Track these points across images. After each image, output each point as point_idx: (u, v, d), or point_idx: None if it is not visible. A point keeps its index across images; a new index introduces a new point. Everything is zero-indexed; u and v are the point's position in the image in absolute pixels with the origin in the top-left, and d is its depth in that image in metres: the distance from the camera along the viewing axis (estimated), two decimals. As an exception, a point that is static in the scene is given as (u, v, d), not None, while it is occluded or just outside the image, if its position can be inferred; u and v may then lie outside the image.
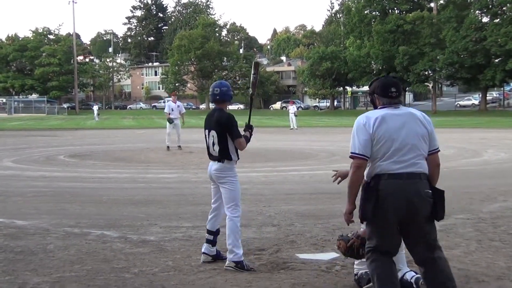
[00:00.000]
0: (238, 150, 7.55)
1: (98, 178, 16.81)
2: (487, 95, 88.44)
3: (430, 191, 5.28)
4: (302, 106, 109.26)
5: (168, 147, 24.67)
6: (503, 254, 7.80)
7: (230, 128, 7.40)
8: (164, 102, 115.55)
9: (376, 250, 5.37)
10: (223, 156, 7.48)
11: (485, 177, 16.41)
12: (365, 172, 5.43)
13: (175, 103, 25.30)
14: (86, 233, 9.24)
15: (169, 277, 6.89)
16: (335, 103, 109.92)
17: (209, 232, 7.69)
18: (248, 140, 7.60)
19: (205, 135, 7.64)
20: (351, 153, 5.36)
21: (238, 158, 7.64)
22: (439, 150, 5.49)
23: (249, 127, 7.74)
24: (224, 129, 7.41)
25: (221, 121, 7.44)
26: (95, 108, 76.54)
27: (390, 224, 5.28)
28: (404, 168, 5.22)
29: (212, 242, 7.61)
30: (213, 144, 7.50)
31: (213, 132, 7.49)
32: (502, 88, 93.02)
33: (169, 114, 24.92)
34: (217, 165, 7.57)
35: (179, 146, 24.92)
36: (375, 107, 5.64)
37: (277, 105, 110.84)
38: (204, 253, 7.59)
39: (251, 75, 8.00)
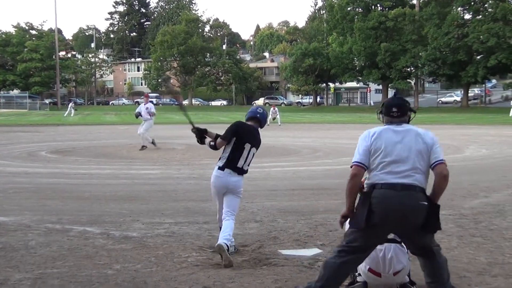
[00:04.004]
0: None
1: (80, 174, 16.73)
2: (469, 91, 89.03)
3: (426, 203, 5.35)
4: (285, 102, 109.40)
5: (152, 142, 23.63)
6: (484, 250, 7.87)
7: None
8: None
9: (349, 249, 5.48)
10: (246, 172, 7.84)
11: (467, 173, 16.51)
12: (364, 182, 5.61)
13: (146, 104, 24.21)
14: (68, 230, 9.20)
15: (151, 273, 6.88)
16: (318, 99, 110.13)
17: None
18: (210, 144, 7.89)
19: (241, 148, 7.70)
20: (352, 162, 5.57)
21: None
22: (443, 161, 5.50)
23: (201, 131, 7.92)
24: (258, 148, 7.93)
25: (260, 141, 7.97)
26: (71, 105, 76.12)
27: (378, 231, 5.41)
28: (399, 179, 5.34)
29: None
30: (250, 161, 7.79)
31: (254, 150, 7.79)
32: (483, 85, 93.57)
33: (140, 115, 24.00)
34: (238, 178, 7.72)
35: (143, 146, 23.69)
36: None
37: (260, 101, 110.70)
38: (233, 246, 7.78)
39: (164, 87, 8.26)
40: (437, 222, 5.44)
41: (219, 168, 7.70)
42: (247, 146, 7.66)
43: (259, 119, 7.99)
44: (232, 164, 7.64)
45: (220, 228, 7.79)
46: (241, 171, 7.71)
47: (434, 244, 5.57)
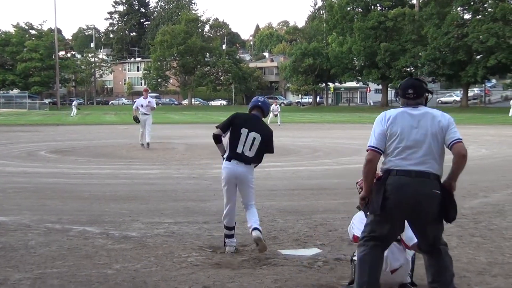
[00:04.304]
0: None
1: (80, 174, 16.72)
2: (469, 91, 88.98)
3: (439, 192, 5.35)
4: (284, 102, 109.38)
5: (142, 144, 23.31)
6: (483, 250, 7.87)
7: (272, 141, 8.04)
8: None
9: (370, 238, 5.47)
10: (256, 160, 7.89)
11: (466, 173, 16.36)
12: (379, 167, 5.57)
13: (146, 98, 23.60)
14: (67, 229, 9.20)
15: (151, 273, 6.88)
16: (318, 99, 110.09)
17: (232, 228, 8.00)
18: None
19: (237, 134, 7.79)
20: (368, 146, 5.53)
21: None
22: (460, 140, 5.46)
23: None
24: (270, 138, 7.99)
25: (269, 130, 8.03)
26: (75, 104, 76.17)
27: (394, 218, 5.39)
28: (413, 166, 5.32)
29: (234, 235, 8.03)
30: (251, 146, 7.78)
31: (255, 135, 7.78)
32: (483, 85, 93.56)
33: (136, 110, 23.48)
34: (244, 169, 7.81)
35: (148, 144, 23.20)
36: None
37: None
38: (232, 245, 7.93)
39: None
40: (454, 210, 5.46)
41: (226, 159, 7.86)
42: (244, 131, 7.77)
43: (261, 107, 8.12)
44: (233, 151, 7.78)
45: (225, 226, 7.91)
46: (244, 158, 7.77)
47: (442, 242, 5.55)
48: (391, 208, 5.30)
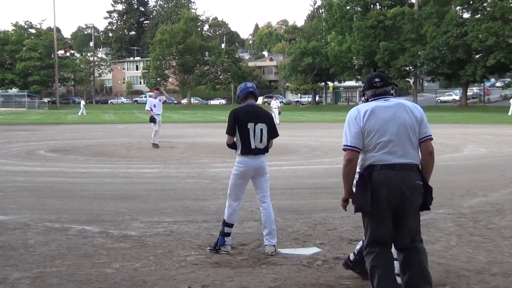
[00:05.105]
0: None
1: (79, 173, 16.72)
2: (468, 90, 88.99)
3: (421, 183, 5.38)
4: (284, 101, 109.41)
5: (156, 144, 23.07)
6: (483, 249, 7.86)
7: (275, 125, 8.13)
8: (145, 97, 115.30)
9: (373, 243, 5.45)
10: (267, 149, 7.96)
11: (466, 172, 16.52)
12: (358, 163, 5.52)
13: (156, 98, 23.57)
14: (67, 228, 9.19)
15: (150, 272, 6.87)
16: (317, 98, 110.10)
17: (231, 225, 7.95)
18: None
19: (245, 131, 7.76)
20: (344, 145, 5.46)
21: None
22: (431, 137, 5.51)
23: None
24: (273, 123, 8.03)
25: (269, 115, 8.07)
26: (82, 102, 76.70)
27: (385, 213, 5.35)
28: (396, 159, 5.31)
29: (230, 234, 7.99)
30: (261, 138, 7.80)
31: (261, 126, 7.80)
32: (482, 84, 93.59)
33: (151, 110, 23.10)
34: (263, 158, 7.93)
35: (156, 144, 23.15)
36: None
37: (259, 100, 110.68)
38: (229, 245, 7.88)
39: None
40: (431, 197, 5.51)
41: (240, 154, 7.82)
42: (251, 125, 7.73)
43: (254, 92, 8.09)
44: (246, 147, 7.76)
45: (229, 224, 7.87)
46: (257, 151, 7.80)
47: (420, 239, 5.53)
48: (379, 203, 5.28)
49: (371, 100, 5.59)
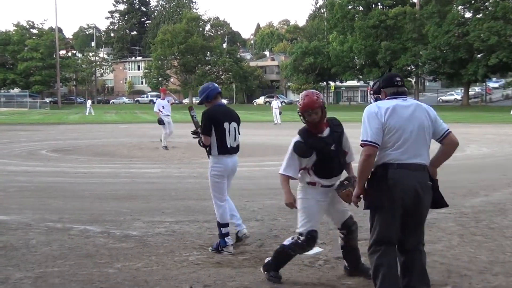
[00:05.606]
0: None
1: (81, 173, 16.73)
2: (470, 90, 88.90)
3: (431, 183, 5.44)
4: (285, 101, 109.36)
5: (165, 147, 22.92)
6: (485, 248, 7.86)
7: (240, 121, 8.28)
8: (146, 96, 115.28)
9: (379, 241, 5.46)
10: (239, 147, 8.13)
11: (467, 171, 16.50)
12: None
13: (164, 99, 23.35)
14: (68, 228, 9.21)
15: (152, 272, 6.88)
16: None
17: (227, 225, 8.03)
18: None
19: (222, 130, 7.87)
20: (363, 140, 5.42)
21: None
22: (450, 130, 5.55)
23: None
24: (239, 121, 8.21)
25: (236, 113, 8.23)
26: (89, 102, 77.08)
27: (396, 213, 5.37)
28: (412, 159, 5.34)
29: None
30: (235, 137, 7.96)
31: (234, 125, 7.98)
32: (484, 83, 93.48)
33: (160, 112, 22.85)
34: (237, 157, 8.14)
35: (166, 147, 23.01)
36: None
37: (261, 100, 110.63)
38: (231, 245, 7.98)
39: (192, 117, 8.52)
40: (442, 198, 5.61)
41: (217, 154, 7.88)
42: (226, 125, 7.88)
43: (220, 91, 8.32)
44: (223, 147, 7.86)
45: (225, 224, 7.94)
46: (234, 150, 7.98)
47: (423, 241, 5.60)
48: (393, 202, 5.30)
49: (388, 99, 5.60)
